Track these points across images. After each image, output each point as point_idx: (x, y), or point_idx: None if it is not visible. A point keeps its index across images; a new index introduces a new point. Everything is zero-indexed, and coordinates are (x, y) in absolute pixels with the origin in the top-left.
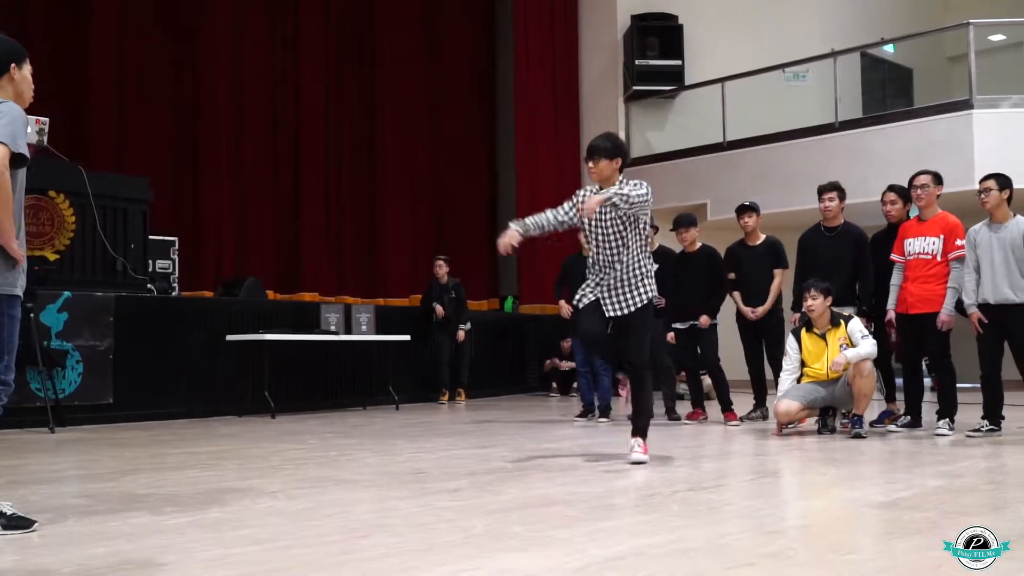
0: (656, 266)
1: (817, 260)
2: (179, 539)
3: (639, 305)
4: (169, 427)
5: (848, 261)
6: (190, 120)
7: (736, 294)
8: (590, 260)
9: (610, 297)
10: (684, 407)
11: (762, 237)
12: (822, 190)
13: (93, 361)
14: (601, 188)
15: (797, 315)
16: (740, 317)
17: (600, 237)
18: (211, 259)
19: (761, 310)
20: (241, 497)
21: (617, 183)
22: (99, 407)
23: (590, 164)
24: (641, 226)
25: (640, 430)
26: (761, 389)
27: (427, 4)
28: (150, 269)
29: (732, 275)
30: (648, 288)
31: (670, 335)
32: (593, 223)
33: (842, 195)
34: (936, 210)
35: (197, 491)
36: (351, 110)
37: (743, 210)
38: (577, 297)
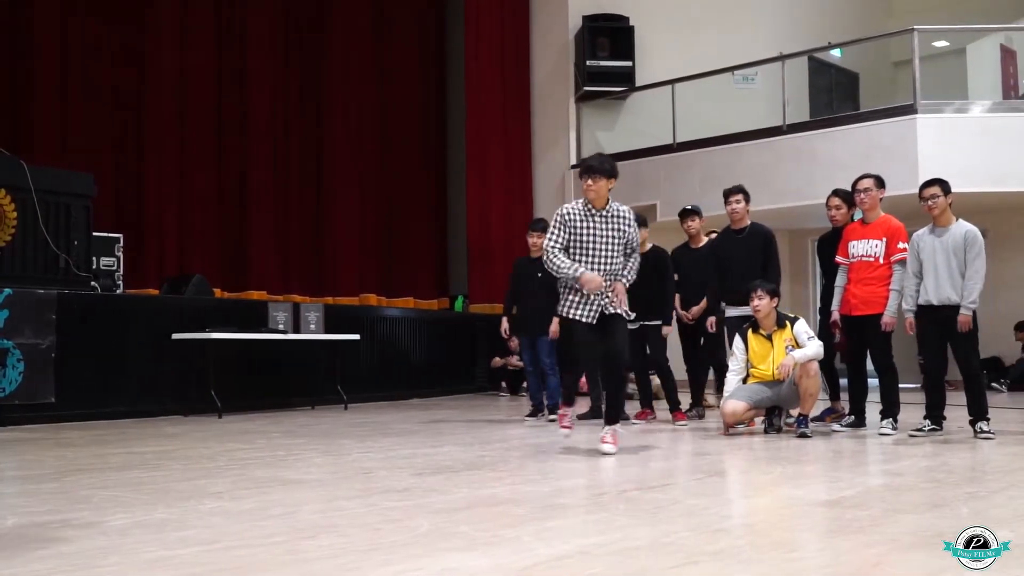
0: None
1: (730, 262)
2: (122, 541)
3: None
4: (113, 427)
5: (758, 260)
6: (135, 115)
7: (677, 296)
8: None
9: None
10: (633, 407)
11: (704, 240)
12: (728, 193)
13: (35, 359)
14: (593, 205)
15: (713, 319)
16: (679, 318)
17: (601, 251)
18: (155, 256)
19: (696, 310)
20: (186, 498)
21: (613, 202)
22: (41, 406)
23: (589, 182)
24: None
25: (614, 419)
26: (698, 389)
27: (377, 2)
28: (94, 266)
29: (675, 276)
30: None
31: None
32: (593, 240)
33: (747, 197)
34: (879, 213)
35: (141, 491)
36: (299, 107)
37: (686, 214)
38: (573, 315)
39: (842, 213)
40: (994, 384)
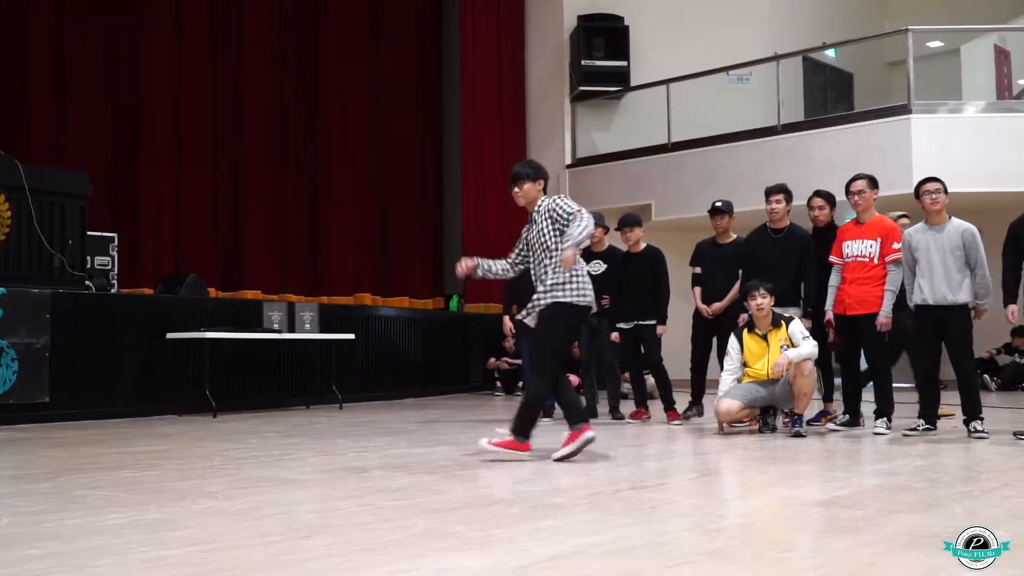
0: (604, 266)
1: (763, 261)
2: (116, 540)
3: (556, 300)
4: (107, 426)
5: (793, 263)
6: (130, 114)
7: (697, 290)
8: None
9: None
10: (628, 406)
11: (732, 237)
12: (769, 192)
13: (29, 359)
14: (528, 210)
15: (745, 316)
16: (697, 313)
17: (535, 250)
18: (150, 256)
19: (717, 306)
20: (180, 497)
21: (539, 201)
22: (35, 406)
23: (515, 190)
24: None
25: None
26: (700, 387)
27: (373, 2)
28: (88, 265)
29: (698, 269)
30: (571, 290)
31: (614, 335)
32: (531, 242)
33: (789, 197)
34: (873, 213)
35: (135, 491)
36: (295, 107)
37: (716, 212)
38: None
39: (825, 213)
40: (987, 376)
